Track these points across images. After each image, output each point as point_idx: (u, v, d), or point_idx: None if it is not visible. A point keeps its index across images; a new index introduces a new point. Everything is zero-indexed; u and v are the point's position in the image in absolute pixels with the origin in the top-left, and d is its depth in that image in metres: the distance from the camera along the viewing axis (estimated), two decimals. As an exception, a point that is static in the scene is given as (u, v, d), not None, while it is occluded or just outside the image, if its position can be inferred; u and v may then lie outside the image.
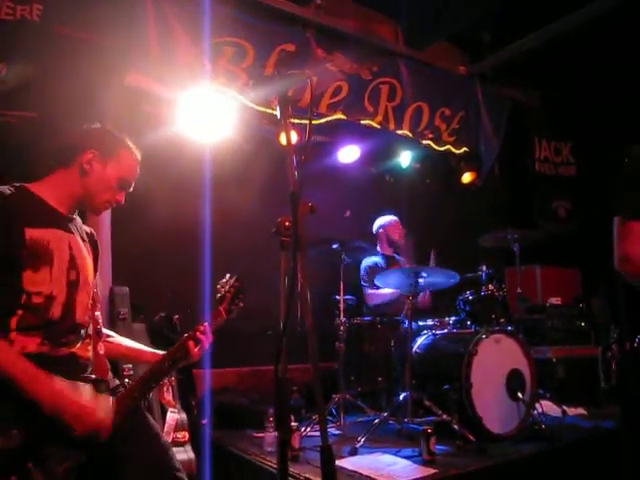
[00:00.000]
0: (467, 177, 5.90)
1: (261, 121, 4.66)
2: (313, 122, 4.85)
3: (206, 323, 2.15)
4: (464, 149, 5.81)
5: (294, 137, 4.56)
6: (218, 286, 2.26)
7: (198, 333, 2.11)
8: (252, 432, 3.81)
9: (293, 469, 2.98)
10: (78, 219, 2.14)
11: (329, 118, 4.94)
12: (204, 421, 3.84)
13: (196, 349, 2.10)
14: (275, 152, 4.37)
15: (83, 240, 2.10)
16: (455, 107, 5.68)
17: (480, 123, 5.85)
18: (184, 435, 3.30)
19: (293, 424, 3.38)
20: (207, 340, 2.13)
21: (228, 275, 2.27)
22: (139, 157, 2.16)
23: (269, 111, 4.36)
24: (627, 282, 1.89)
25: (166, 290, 4.22)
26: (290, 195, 1.60)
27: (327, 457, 1.35)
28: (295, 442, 3.23)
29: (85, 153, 2.01)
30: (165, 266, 4.30)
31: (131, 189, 2.16)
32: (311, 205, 1.62)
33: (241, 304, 2.24)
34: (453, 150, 5.74)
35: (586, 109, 6.86)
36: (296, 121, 4.69)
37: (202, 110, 4.16)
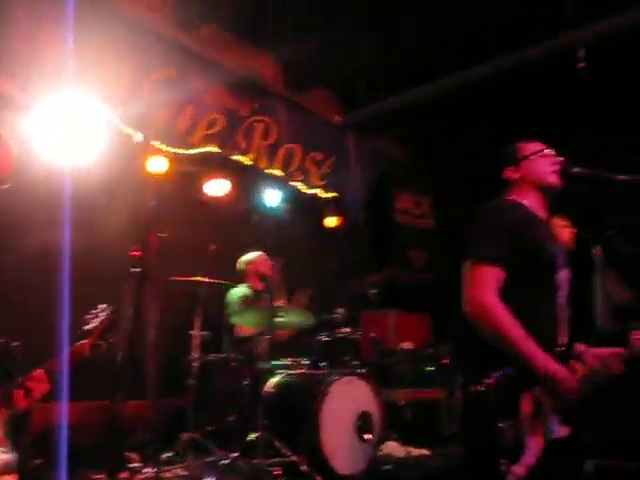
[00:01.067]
0: (332, 221, 6.09)
1: (131, 146, 4.50)
2: (185, 152, 4.78)
3: (42, 369, 1.91)
4: (332, 194, 6.01)
5: (162, 165, 4.50)
6: (88, 316, 2.01)
7: (30, 382, 1.87)
8: (93, 473, 3.53)
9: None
10: None
11: (202, 149, 4.90)
12: (38, 461, 3.51)
13: (25, 401, 1.85)
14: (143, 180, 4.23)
15: None
16: (327, 152, 5.89)
17: (349, 170, 6.11)
18: (12, 478, 2.99)
19: (136, 465, 3.20)
20: (41, 389, 1.89)
21: (104, 305, 2.02)
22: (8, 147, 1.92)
23: (137, 136, 4.22)
24: (473, 327, 1.99)
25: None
26: (142, 225, 1.54)
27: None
28: (137, 483, 3.06)
29: None
30: (13, 289, 3.95)
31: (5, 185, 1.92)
32: (164, 236, 1.57)
33: (112, 340, 2.01)
34: (321, 194, 5.91)
35: (449, 167, 7.41)
36: (169, 149, 4.61)
37: (73, 128, 3.94)
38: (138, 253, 1.58)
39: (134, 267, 1.56)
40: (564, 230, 3.50)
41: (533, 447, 1.91)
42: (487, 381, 1.89)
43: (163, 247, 1.65)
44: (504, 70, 5.21)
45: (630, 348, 2.16)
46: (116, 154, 4.33)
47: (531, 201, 2.23)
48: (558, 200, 2.33)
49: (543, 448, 1.93)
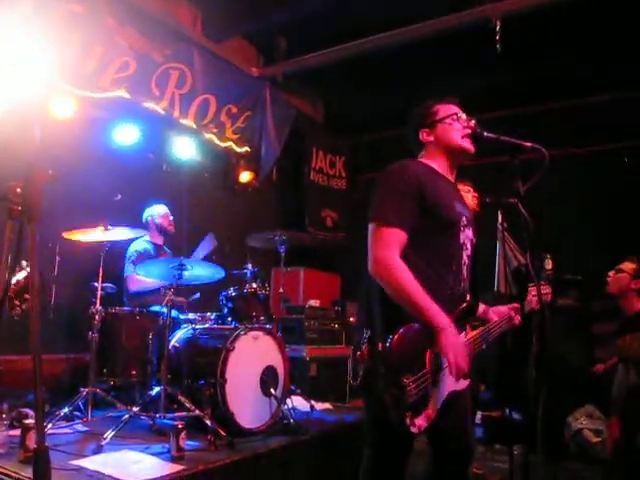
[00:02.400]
0: (245, 177, 6.01)
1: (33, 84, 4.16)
2: (93, 95, 4.51)
3: None
4: (245, 149, 5.90)
5: (68, 107, 4.21)
6: None
7: None
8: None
9: (25, 473, 2.69)
10: None
11: (110, 94, 4.63)
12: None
13: None
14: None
15: None
16: (242, 106, 5.74)
17: (264, 126, 6.00)
18: None
19: (31, 421, 3.07)
20: None
21: (23, 262, 1.82)
22: None
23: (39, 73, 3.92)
24: (378, 285, 2.02)
25: None
26: (27, 161, 1.41)
27: (39, 460, 1.22)
28: (31, 442, 2.94)
29: None
30: None
31: None
32: (52, 173, 1.44)
33: (25, 306, 1.79)
34: (235, 148, 5.79)
35: (363, 129, 7.47)
36: (75, 91, 4.31)
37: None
38: (21, 190, 1.43)
39: (14, 204, 1.40)
40: (468, 195, 3.63)
41: (434, 400, 2.00)
42: (392, 337, 1.92)
43: (47, 185, 1.50)
44: (422, 37, 5.25)
45: (526, 303, 2.32)
46: (16, 91, 4.02)
47: (440, 164, 2.28)
48: (464, 166, 2.40)
49: (443, 400, 2.03)
